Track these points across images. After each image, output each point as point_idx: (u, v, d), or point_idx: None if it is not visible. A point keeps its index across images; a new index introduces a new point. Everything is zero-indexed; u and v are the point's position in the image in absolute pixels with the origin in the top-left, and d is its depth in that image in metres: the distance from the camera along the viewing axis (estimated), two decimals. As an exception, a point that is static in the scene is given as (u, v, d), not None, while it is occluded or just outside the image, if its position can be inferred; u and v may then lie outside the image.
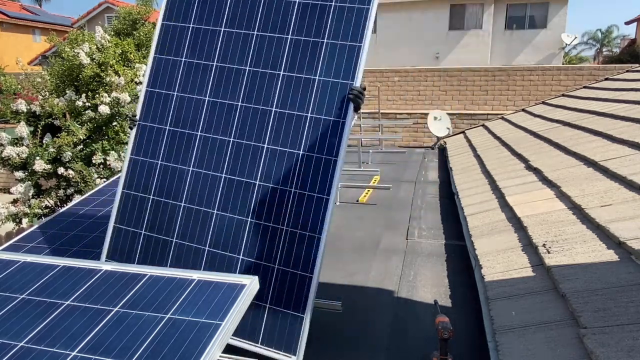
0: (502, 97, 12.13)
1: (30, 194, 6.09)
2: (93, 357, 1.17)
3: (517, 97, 11.95)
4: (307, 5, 1.97)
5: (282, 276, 1.81)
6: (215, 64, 2.05)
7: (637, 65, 8.53)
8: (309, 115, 1.90)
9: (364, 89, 1.92)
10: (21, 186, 5.99)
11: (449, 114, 10.10)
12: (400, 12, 21.30)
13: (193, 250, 1.94)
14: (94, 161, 6.00)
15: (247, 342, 1.77)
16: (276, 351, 1.72)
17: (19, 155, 5.94)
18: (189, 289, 1.39)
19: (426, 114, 10.78)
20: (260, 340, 1.76)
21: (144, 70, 6.86)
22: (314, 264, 1.79)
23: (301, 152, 1.88)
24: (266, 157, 1.92)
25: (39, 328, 1.29)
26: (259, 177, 1.92)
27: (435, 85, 12.58)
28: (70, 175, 5.92)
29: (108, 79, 6.37)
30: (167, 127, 2.08)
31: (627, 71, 7.24)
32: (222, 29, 2.06)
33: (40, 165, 5.78)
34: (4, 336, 1.27)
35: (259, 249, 1.86)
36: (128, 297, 1.38)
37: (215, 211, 1.95)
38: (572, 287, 1.70)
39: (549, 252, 2.05)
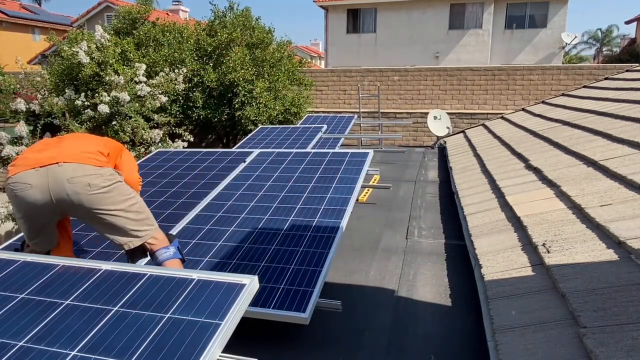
0: (502, 97, 12.13)
1: (30, 193, 6.08)
2: (93, 356, 1.17)
3: (517, 97, 11.95)
4: (331, 162, 3.53)
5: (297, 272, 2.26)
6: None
7: (637, 64, 8.53)
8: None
9: None
10: (21, 185, 5.98)
11: (448, 114, 10.10)
12: (400, 12, 21.29)
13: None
14: (93, 160, 5.99)
15: (259, 308, 1.98)
16: (287, 312, 1.94)
17: (18, 155, 5.93)
18: (189, 288, 1.39)
19: (426, 114, 10.79)
20: (272, 306, 1.99)
21: (143, 69, 6.87)
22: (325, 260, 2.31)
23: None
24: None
25: (38, 327, 1.29)
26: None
27: (435, 84, 12.57)
28: (70, 175, 5.91)
29: (107, 78, 6.36)
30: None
31: (627, 71, 7.24)
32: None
33: (39, 164, 5.77)
34: (4, 336, 1.27)
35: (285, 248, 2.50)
36: (128, 296, 1.38)
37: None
38: (571, 287, 1.71)
39: (548, 252, 2.05)
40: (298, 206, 2.89)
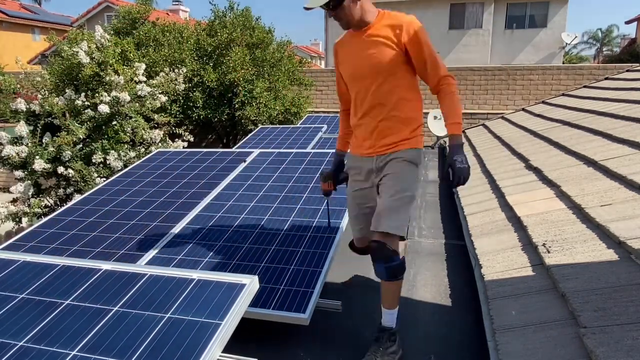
0: (502, 97, 12.12)
1: (30, 193, 6.09)
2: (92, 356, 1.17)
3: (517, 97, 11.94)
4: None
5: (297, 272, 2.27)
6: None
7: (637, 64, 8.53)
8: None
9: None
10: (21, 185, 5.99)
11: (449, 114, 10.05)
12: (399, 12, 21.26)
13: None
14: (93, 160, 6.00)
15: (260, 309, 1.98)
16: (287, 312, 1.95)
17: (18, 155, 5.93)
18: (189, 288, 1.39)
19: (426, 114, 10.77)
20: (272, 307, 2.00)
21: (143, 69, 6.87)
22: (326, 259, 2.31)
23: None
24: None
25: (38, 327, 1.29)
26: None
27: (435, 84, 12.55)
28: (70, 175, 5.92)
29: (107, 78, 6.36)
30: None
31: (627, 70, 7.24)
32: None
33: (39, 164, 5.78)
34: (4, 336, 1.27)
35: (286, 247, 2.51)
36: (128, 296, 1.38)
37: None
38: (571, 287, 1.70)
39: (548, 252, 2.05)
40: (298, 206, 2.89)
